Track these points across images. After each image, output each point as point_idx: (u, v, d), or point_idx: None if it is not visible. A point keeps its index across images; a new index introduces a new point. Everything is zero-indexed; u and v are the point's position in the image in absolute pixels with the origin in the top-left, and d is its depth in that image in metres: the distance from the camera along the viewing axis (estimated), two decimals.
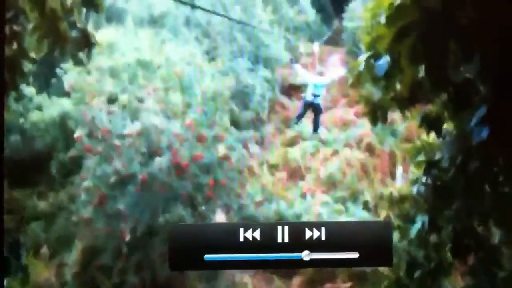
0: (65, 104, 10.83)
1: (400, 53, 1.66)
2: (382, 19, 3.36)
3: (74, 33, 3.02)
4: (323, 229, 2.02)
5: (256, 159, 14.18)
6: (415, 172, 4.56)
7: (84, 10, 3.02)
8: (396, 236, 5.36)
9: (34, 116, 10.77)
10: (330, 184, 13.89)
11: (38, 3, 2.85)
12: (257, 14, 19.13)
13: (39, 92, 11.37)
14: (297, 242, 2.03)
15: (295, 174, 14.73)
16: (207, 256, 2.06)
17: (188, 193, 8.99)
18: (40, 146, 10.66)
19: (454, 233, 3.64)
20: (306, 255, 2.04)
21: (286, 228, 2.04)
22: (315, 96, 12.59)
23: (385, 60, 2.35)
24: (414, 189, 4.69)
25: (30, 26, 2.91)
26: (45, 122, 10.76)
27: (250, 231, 2.03)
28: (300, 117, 13.62)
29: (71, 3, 2.98)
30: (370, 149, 15.15)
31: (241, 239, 2.04)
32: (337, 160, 14.73)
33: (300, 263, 2.06)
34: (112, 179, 8.76)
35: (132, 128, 9.08)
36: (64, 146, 10.46)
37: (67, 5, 2.99)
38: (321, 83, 13.18)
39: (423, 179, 4.21)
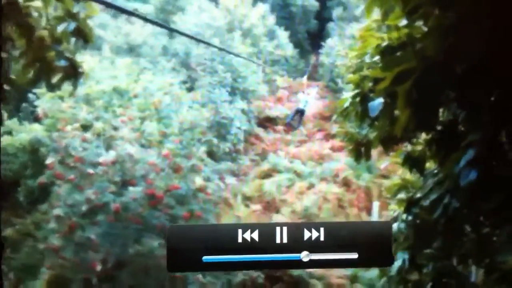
0: (37, 130, 10.67)
1: (396, 96, 1.74)
2: (367, 59, 3.50)
3: (61, 62, 3.03)
4: (322, 229, 2.04)
5: (232, 191, 14.17)
6: (395, 209, 4.63)
7: (73, 39, 3.04)
8: (376, 273, 5.40)
9: (4, 141, 10.56)
10: (306, 218, 13.94)
11: (27, 31, 2.85)
12: (235, 47, 19.46)
13: (10, 116, 11.20)
14: (296, 243, 2.04)
15: (270, 206, 14.75)
16: (206, 258, 2.05)
17: (162, 224, 8.86)
18: (8, 172, 10.44)
19: (434, 271, 3.69)
20: (305, 256, 2.05)
21: (285, 228, 2.05)
22: (304, 106, 19.08)
23: (378, 101, 2.43)
24: (395, 226, 4.75)
25: (16, 53, 2.90)
26: (15, 147, 10.56)
27: (248, 232, 2.04)
28: (291, 118, 19.82)
29: (61, 33, 2.99)
30: (346, 184, 15.33)
31: (240, 240, 2.04)
32: (313, 194, 14.85)
33: (299, 264, 2.07)
34: (84, 208, 8.59)
35: (106, 156, 8.96)
36: (34, 173, 10.25)
37: (56, 34, 3.00)
38: (307, 98, 19.42)
39: (404, 217, 4.26)
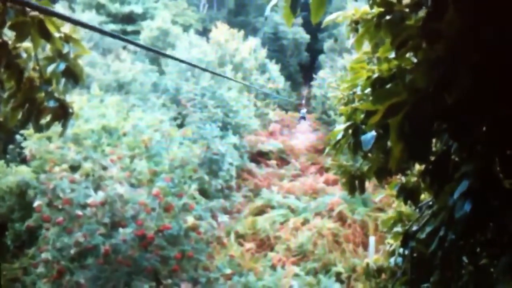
0: (24, 172, 10.62)
1: (388, 128, 1.79)
2: (358, 91, 3.58)
3: (51, 103, 3.06)
4: None
5: (224, 229, 14.07)
6: (392, 243, 4.62)
7: (63, 80, 3.08)
8: None
9: None
10: (301, 255, 13.83)
11: (16, 72, 2.90)
12: (226, 80, 19.74)
13: None
14: None
15: (264, 244, 14.63)
16: None
17: (152, 266, 8.75)
18: None
19: None
20: None
21: None
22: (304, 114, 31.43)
23: (371, 135, 2.49)
24: (392, 261, 4.73)
25: (5, 95, 2.93)
26: (2, 190, 10.47)
27: None
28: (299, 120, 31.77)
29: (51, 73, 3.03)
30: (341, 218, 15.28)
31: None
32: (308, 229, 14.78)
33: None
34: (73, 251, 8.46)
35: (95, 197, 8.90)
36: (21, 216, 10.15)
37: (46, 75, 3.05)
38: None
39: (400, 251, 4.26)
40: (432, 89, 1.79)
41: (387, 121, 1.89)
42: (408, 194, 3.72)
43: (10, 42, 2.95)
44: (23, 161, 11.39)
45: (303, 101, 35.69)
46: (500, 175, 2.13)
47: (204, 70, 16.25)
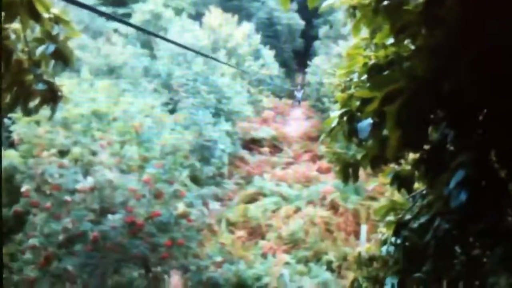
0: (12, 156, 10.52)
1: (384, 116, 1.77)
2: (355, 78, 3.56)
3: (40, 86, 3.01)
4: None
5: (215, 217, 14.09)
6: (384, 232, 4.63)
7: (52, 62, 3.02)
8: None
9: None
10: (292, 243, 13.90)
11: (4, 54, 2.84)
12: (220, 66, 19.63)
13: None
14: None
15: (256, 232, 14.68)
16: None
17: (142, 254, 8.73)
18: None
19: None
20: None
21: None
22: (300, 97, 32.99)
23: (367, 122, 2.47)
24: (384, 250, 4.75)
25: None
26: None
27: None
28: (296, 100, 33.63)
29: (40, 55, 2.97)
30: (333, 207, 15.35)
31: None
32: (299, 217, 14.83)
33: None
34: (61, 237, 8.42)
35: (84, 183, 8.84)
36: (9, 201, 10.07)
37: (35, 57, 2.99)
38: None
39: (393, 240, 4.27)
40: (430, 77, 1.77)
41: (384, 108, 1.88)
42: (402, 182, 3.72)
43: None
44: (11, 145, 11.27)
45: (299, 87, 35.85)
46: (496, 165, 2.13)
47: (199, 53, 16.15)
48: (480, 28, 1.80)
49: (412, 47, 2.55)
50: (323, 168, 18.90)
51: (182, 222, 9.35)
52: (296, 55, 40.77)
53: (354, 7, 3.41)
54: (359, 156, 3.76)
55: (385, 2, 2.88)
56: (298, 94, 33.77)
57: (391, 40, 2.90)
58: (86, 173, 9.25)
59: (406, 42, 2.65)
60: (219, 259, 10.70)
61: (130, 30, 23.64)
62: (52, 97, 3.07)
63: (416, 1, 2.58)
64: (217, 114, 17.91)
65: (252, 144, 22.03)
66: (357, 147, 3.75)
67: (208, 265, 9.79)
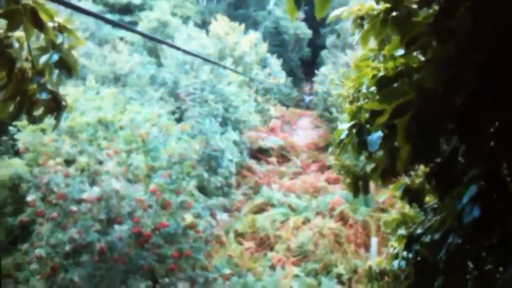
0: (17, 164, 10.59)
1: (394, 129, 1.76)
2: (364, 89, 3.55)
3: (43, 95, 3.02)
4: None
5: (223, 228, 14.04)
6: (395, 246, 4.60)
7: (56, 71, 3.04)
8: None
9: None
10: (301, 255, 13.81)
11: (8, 62, 2.86)
12: (227, 74, 19.66)
13: None
14: None
15: (264, 243, 14.61)
16: None
17: (149, 265, 8.72)
18: None
19: None
20: None
21: None
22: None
23: (377, 135, 2.46)
24: (395, 264, 4.71)
25: None
26: None
27: None
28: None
29: (43, 64, 2.99)
30: (342, 218, 15.25)
31: None
32: (308, 229, 14.74)
33: None
34: (67, 248, 8.44)
35: (91, 192, 8.86)
36: (14, 210, 10.13)
37: (38, 66, 3.01)
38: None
39: (404, 254, 4.24)
40: (441, 89, 1.76)
41: (394, 121, 1.86)
42: (412, 196, 3.70)
43: (1, 31, 2.92)
44: (16, 153, 11.35)
45: (305, 95, 36.84)
46: (506, 179, 2.11)
47: (207, 61, 16.17)
48: (492, 40, 1.79)
49: (422, 58, 2.54)
50: (331, 179, 18.81)
51: (189, 233, 9.34)
52: (303, 64, 40.82)
53: (362, 18, 3.41)
54: (368, 169, 3.75)
55: (394, 13, 2.88)
56: (307, 98, 34.01)
57: (400, 51, 2.88)
58: (92, 183, 9.29)
59: (415, 53, 2.63)
60: (227, 271, 10.67)
61: (137, 38, 23.78)
62: (56, 106, 3.09)
63: (425, 11, 2.58)
64: (224, 123, 17.91)
65: (259, 153, 21.98)
66: (366, 160, 3.73)
67: (216, 277, 9.76)
